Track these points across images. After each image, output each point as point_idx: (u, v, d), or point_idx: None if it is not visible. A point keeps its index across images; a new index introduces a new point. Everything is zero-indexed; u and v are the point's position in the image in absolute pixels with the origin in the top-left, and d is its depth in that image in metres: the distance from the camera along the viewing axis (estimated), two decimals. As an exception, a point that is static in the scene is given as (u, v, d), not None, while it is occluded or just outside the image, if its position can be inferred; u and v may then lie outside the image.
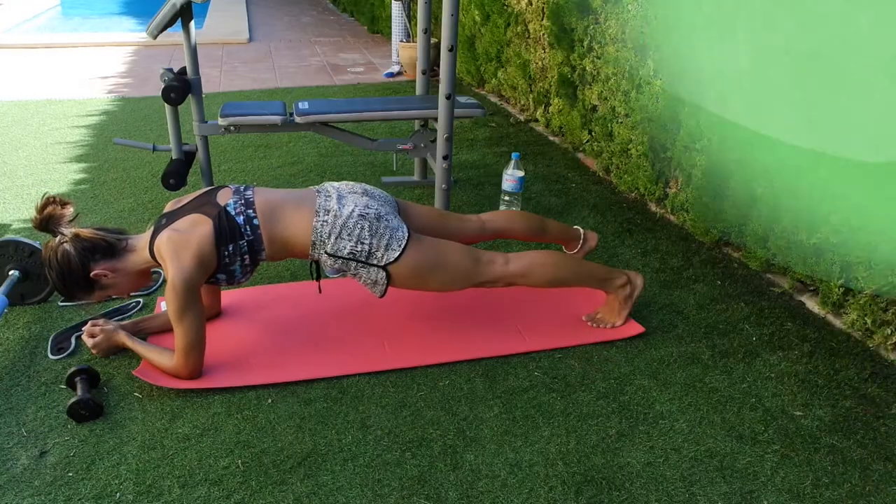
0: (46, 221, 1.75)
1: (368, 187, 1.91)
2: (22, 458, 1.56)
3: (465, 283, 1.88)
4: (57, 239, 1.76)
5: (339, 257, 1.79)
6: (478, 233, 2.07)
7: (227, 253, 1.74)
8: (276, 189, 1.87)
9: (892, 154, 1.62)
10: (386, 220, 1.81)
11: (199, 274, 1.70)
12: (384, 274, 1.82)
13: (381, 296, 1.87)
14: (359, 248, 1.78)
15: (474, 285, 1.90)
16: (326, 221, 1.77)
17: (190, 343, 1.73)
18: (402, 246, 1.80)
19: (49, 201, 1.76)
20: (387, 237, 1.79)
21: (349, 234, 1.77)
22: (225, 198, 1.80)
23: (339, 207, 1.78)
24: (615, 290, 2.02)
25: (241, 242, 1.75)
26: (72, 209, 1.80)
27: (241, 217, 1.76)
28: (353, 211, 1.78)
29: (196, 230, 1.73)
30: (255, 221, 1.76)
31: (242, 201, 1.79)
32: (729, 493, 1.49)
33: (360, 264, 1.80)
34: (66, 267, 1.74)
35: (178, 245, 1.70)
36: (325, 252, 1.79)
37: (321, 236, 1.77)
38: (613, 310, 2.04)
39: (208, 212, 1.76)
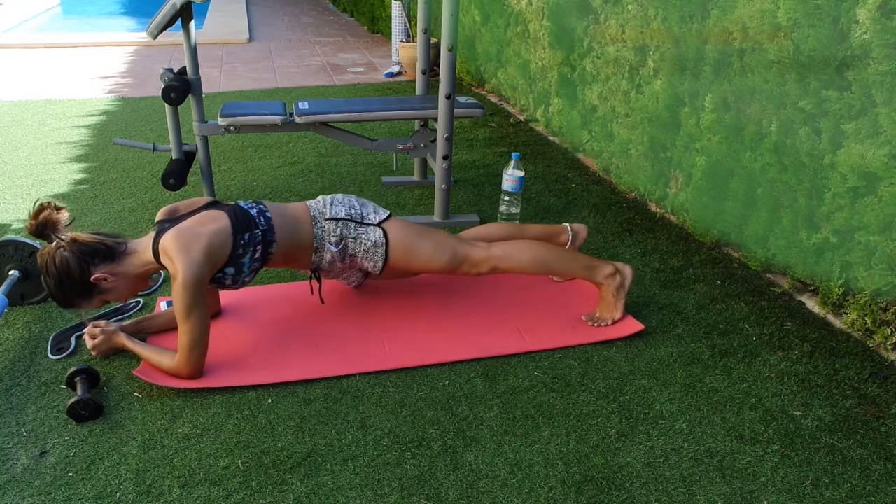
0: (43, 226, 1.71)
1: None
2: (22, 458, 1.56)
3: (451, 258, 1.98)
4: (53, 244, 1.72)
5: (339, 219, 1.94)
6: None
7: (242, 242, 1.80)
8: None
9: None
10: (367, 200, 2.12)
11: (208, 269, 1.72)
12: (381, 232, 1.96)
13: (381, 270, 1.99)
14: (352, 212, 1.97)
15: (458, 266, 1.99)
16: (318, 201, 1.99)
17: (194, 341, 1.73)
18: (388, 213, 2.02)
19: (43, 206, 1.72)
20: (372, 206, 2.03)
21: (340, 203, 1.98)
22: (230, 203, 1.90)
23: (328, 206, 1.98)
24: (604, 279, 2.04)
25: (255, 231, 1.83)
26: (67, 214, 1.76)
27: (255, 210, 1.87)
28: (336, 194, 2.03)
29: (209, 225, 1.77)
30: (268, 214, 1.88)
31: (252, 202, 1.91)
32: (729, 493, 1.49)
33: (357, 224, 1.96)
34: (64, 272, 1.70)
35: (188, 240, 1.70)
36: (325, 218, 1.94)
37: (318, 210, 1.95)
38: (609, 304, 2.05)
39: (221, 208, 1.85)
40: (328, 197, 2.00)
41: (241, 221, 1.81)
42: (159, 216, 1.87)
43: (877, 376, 1.87)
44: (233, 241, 1.78)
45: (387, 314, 2.12)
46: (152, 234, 1.80)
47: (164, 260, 1.73)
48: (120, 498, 1.46)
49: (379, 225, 1.97)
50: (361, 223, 1.96)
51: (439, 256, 1.98)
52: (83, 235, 1.75)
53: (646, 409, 1.74)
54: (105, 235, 1.79)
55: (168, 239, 1.71)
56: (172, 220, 1.82)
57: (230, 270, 1.80)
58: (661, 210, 2.89)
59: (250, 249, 1.81)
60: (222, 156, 3.51)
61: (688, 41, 2.51)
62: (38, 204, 1.74)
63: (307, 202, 1.99)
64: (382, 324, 2.07)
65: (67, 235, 1.74)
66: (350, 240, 1.95)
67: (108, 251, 1.76)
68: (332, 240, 1.93)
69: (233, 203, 1.89)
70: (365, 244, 1.96)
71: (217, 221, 1.78)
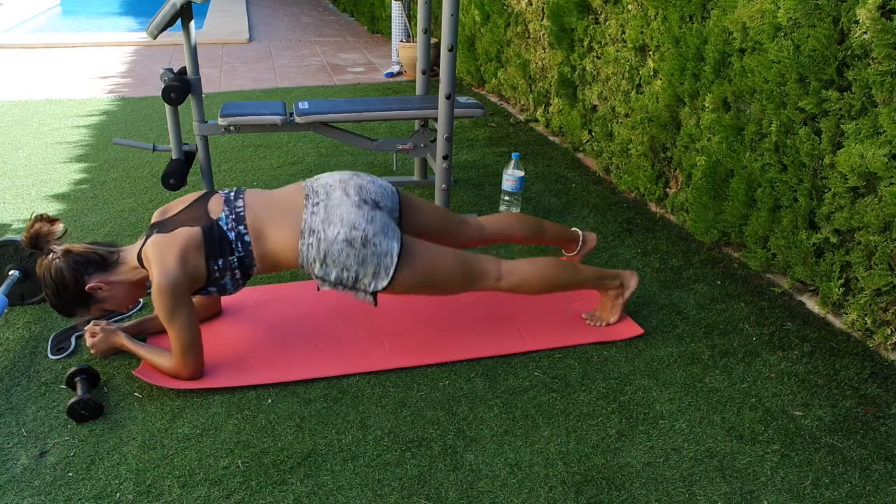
0: (35, 239, 1.74)
1: (366, 184, 1.82)
2: (22, 458, 1.56)
3: (458, 292, 1.90)
4: (49, 256, 1.75)
5: (327, 280, 1.77)
6: (477, 237, 2.08)
7: (216, 267, 1.74)
8: (265, 195, 1.83)
9: None
10: (374, 243, 1.73)
11: (183, 276, 1.69)
12: (372, 297, 1.80)
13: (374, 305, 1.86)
14: (345, 275, 1.75)
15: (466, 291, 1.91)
16: (311, 245, 1.74)
17: (185, 344, 1.73)
18: (391, 274, 1.76)
19: (37, 219, 1.76)
20: (374, 265, 1.74)
21: (334, 261, 1.73)
22: (216, 208, 1.78)
23: (323, 229, 1.73)
24: (607, 290, 2.05)
25: (230, 258, 1.75)
26: (61, 226, 1.79)
27: (233, 233, 1.74)
28: (337, 235, 1.72)
29: (182, 233, 1.72)
30: (247, 238, 1.75)
31: (233, 216, 1.76)
32: (729, 493, 1.49)
33: (346, 288, 1.79)
34: (60, 283, 1.72)
35: (162, 247, 1.70)
36: (314, 273, 1.78)
37: (307, 259, 1.75)
38: (606, 308, 2.07)
39: (198, 220, 1.75)
40: (322, 243, 1.72)
41: (216, 246, 1.72)
42: (153, 218, 1.88)
43: (877, 376, 1.87)
44: (206, 266, 1.73)
45: (387, 314, 2.12)
46: (141, 241, 1.81)
47: (146, 265, 1.75)
48: (120, 498, 1.46)
49: (373, 293, 1.78)
50: (352, 288, 1.78)
51: (444, 295, 1.90)
52: (76, 246, 1.77)
53: (646, 409, 1.74)
54: (98, 245, 1.81)
55: (147, 246, 1.73)
56: (161, 222, 1.81)
57: (213, 289, 1.79)
58: (661, 210, 2.89)
59: (227, 273, 1.76)
60: (222, 156, 3.51)
61: (688, 41, 2.51)
62: (33, 216, 1.76)
63: (299, 241, 1.74)
64: (382, 324, 2.07)
65: (61, 247, 1.76)
66: (339, 290, 1.81)
67: (101, 261, 1.77)
68: (318, 283, 1.81)
69: (213, 220, 1.74)
70: (354, 296, 1.82)
71: (192, 230, 1.73)
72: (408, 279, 1.79)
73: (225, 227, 1.74)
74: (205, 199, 1.82)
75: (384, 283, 1.76)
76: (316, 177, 1.88)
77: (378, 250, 1.74)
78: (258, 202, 1.80)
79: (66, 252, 1.75)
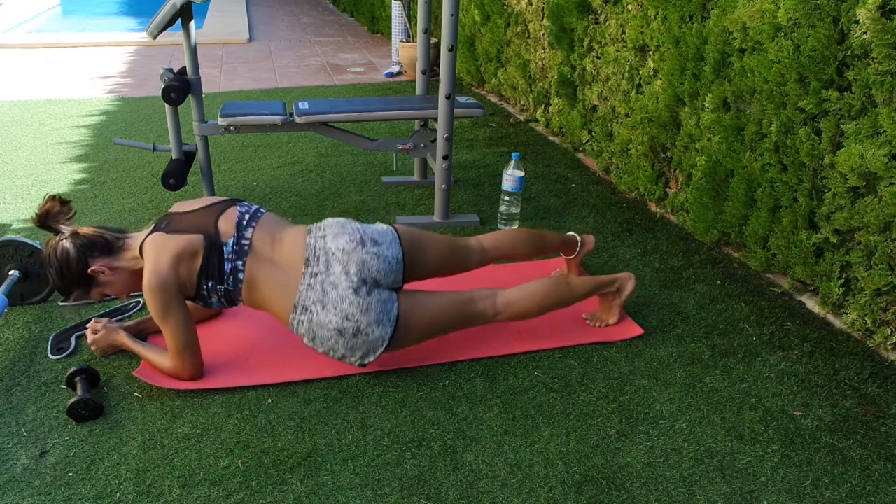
0: (45, 218, 1.77)
1: (369, 259, 1.76)
2: (22, 458, 1.56)
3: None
4: (57, 237, 1.77)
5: (314, 349, 1.81)
6: (479, 262, 2.06)
7: (206, 286, 1.75)
8: (273, 237, 1.80)
9: None
10: (365, 333, 1.74)
11: (174, 279, 1.69)
12: (360, 366, 1.83)
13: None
14: (332, 354, 1.79)
15: None
16: (302, 321, 1.75)
17: (181, 344, 1.73)
18: (379, 354, 1.79)
19: (49, 199, 1.79)
20: (363, 350, 1.77)
21: (322, 343, 1.76)
22: (227, 228, 1.75)
23: (316, 311, 1.73)
24: (605, 294, 2.07)
25: (219, 287, 1.75)
26: (71, 208, 1.82)
27: (230, 265, 1.74)
28: (328, 322, 1.72)
29: (182, 238, 1.72)
30: (241, 276, 1.75)
31: (237, 248, 1.75)
32: (729, 493, 1.49)
33: (333, 358, 1.82)
34: (64, 263, 1.74)
35: (160, 247, 1.71)
36: (302, 341, 1.82)
37: (297, 331, 1.78)
38: (606, 308, 2.08)
39: (205, 231, 1.74)
40: (313, 325, 1.73)
41: (212, 268, 1.73)
42: (171, 209, 1.87)
43: (877, 376, 1.87)
44: (197, 280, 1.73)
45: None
46: (147, 230, 1.81)
47: (145, 259, 1.75)
48: (120, 498, 1.46)
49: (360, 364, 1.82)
50: (340, 360, 1.81)
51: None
52: (84, 229, 1.79)
53: (646, 409, 1.74)
54: (106, 230, 1.82)
55: (147, 241, 1.74)
56: (171, 218, 1.80)
57: (199, 302, 1.80)
58: (661, 210, 2.89)
59: (215, 294, 1.77)
60: (222, 156, 3.51)
61: (688, 41, 2.51)
62: (46, 196, 1.79)
63: (290, 315, 1.75)
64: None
65: (69, 228, 1.78)
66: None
67: (106, 245, 1.78)
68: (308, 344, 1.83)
69: (221, 241, 1.74)
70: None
71: (194, 237, 1.73)
72: (402, 344, 1.83)
73: (225, 256, 1.74)
74: (221, 208, 1.80)
75: (372, 359, 1.80)
76: (322, 229, 1.82)
77: (369, 339, 1.75)
78: (264, 244, 1.78)
79: (74, 233, 1.76)
